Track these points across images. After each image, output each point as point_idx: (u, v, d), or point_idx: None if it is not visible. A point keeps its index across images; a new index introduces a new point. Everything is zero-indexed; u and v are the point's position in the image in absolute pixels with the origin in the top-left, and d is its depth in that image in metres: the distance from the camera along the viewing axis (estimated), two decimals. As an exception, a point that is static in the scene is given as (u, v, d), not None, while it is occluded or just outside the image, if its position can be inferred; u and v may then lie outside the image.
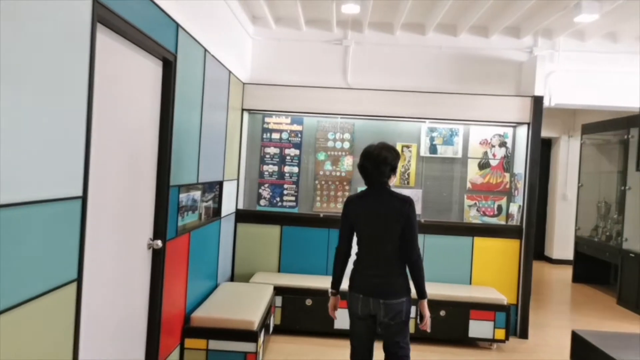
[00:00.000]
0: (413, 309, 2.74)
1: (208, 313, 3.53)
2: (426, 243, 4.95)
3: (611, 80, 5.02)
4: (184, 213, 3.42)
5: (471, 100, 4.95)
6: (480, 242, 4.96)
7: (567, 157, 9.10)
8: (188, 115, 3.30)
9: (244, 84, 5.05)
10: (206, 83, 3.65)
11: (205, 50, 3.58)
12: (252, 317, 3.54)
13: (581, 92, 5.07)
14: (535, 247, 5.38)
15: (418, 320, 2.78)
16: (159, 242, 2.86)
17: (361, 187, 5.27)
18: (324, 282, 4.67)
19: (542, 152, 9.83)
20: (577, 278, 7.58)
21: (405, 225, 2.61)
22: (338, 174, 5.32)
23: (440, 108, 4.97)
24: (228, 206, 4.73)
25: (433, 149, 5.26)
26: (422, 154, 5.26)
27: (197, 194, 3.75)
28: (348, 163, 5.32)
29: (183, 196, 3.39)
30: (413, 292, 2.71)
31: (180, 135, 3.14)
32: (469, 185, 5.26)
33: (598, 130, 7.26)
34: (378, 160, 2.68)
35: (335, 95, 5.05)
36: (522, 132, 5.04)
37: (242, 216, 5.11)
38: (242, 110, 5.09)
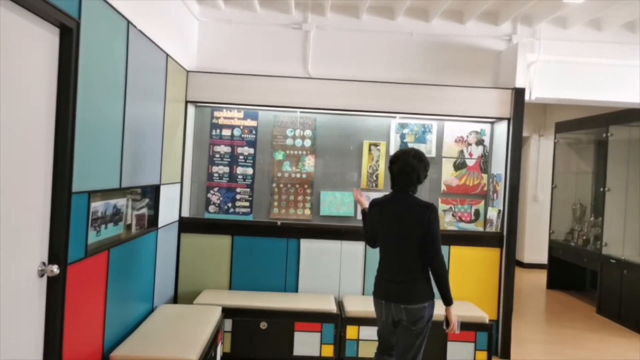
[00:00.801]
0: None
1: (132, 351, 2.83)
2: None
3: (596, 73, 4.59)
4: (99, 226, 2.72)
5: (445, 93, 4.41)
6: (456, 251, 4.43)
7: (538, 157, 8.76)
8: (102, 104, 2.61)
9: (187, 71, 4.36)
10: (131, 65, 2.96)
11: (129, 23, 2.89)
12: (189, 353, 2.87)
13: (564, 85, 4.61)
14: (514, 255, 4.89)
15: (444, 325, 2.76)
16: (55, 268, 2.17)
17: (324, 191, 4.67)
18: (281, 301, 4.04)
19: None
20: (551, 284, 7.20)
21: (427, 232, 2.61)
22: (298, 175, 4.70)
23: (412, 101, 4.42)
24: (168, 214, 4.04)
25: (404, 147, 4.70)
26: (392, 153, 4.69)
27: (121, 202, 3.06)
28: (309, 163, 4.70)
29: (98, 205, 2.69)
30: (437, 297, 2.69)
31: (90, 129, 2.45)
32: (443, 187, 4.73)
33: (573, 129, 6.89)
34: (404, 167, 2.69)
35: (294, 86, 4.43)
36: (501, 129, 4.54)
37: (186, 225, 4.41)
38: (186, 102, 4.39)
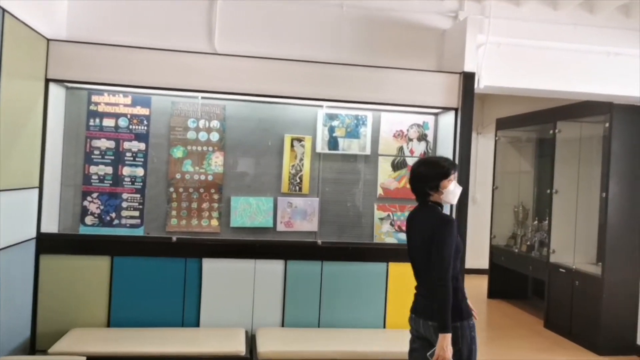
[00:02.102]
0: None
1: None
2: (324, 272, 3.55)
3: (553, 59, 3.98)
4: None
5: (382, 76, 3.63)
6: (396, 268, 3.66)
7: (476, 155, 8.25)
8: None
9: (48, 40, 3.29)
10: None
11: None
12: None
13: (517, 72, 3.96)
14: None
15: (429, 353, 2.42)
16: None
17: (236, 196, 3.76)
18: (174, 342, 3.08)
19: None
20: (492, 293, 6.67)
21: (432, 245, 2.43)
22: (203, 177, 3.75)
23: (342, 87, 3.60)
24: (15, 230, 2.96)
25: (333, 143, 3.88)
26: (318, 149, 3.86)
27: None
28: (217, 162, 3.76)
29: None
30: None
31: None
32: (380, 191, 3.95)
33: (516, 125, 6.38)
34: (413, 176, 2.58)
35: (197, 63, 3.48)
36: (447, 122, 3.83)
37: (48, 244, 3.34)
38: (47, 80, 3.32)
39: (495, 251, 6.65)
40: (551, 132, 5.44)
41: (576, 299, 4.96)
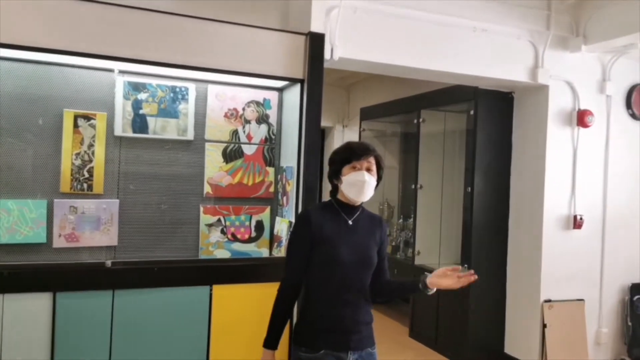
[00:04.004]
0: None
1: None
2: (117, 306, 2.49)
3: (418, 31, 3.36)
4: None
5: (207, 31, 2.68)
6: (223, 292, 2.73)
7: (342, 150, 7.69)
8: None
9: None
10: None
11: None
12: None
13: (375, 43, 3.28)
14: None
15: None
16: None
17: (14, 199, 2.54)
18: None
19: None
20: (358, 299, 6.07)
21: None
22: None
23: (147, 43, 2.58)
24: None
25: (140, 123, 2.83)
26: (118, 132, 2.78)
27: None
28: (-43, 149, 2.51)
29: None
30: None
31: None
32: (207, 189, 2.99)
33: (380, 115, 5.84)
34: None
35: None
36: (294, 98, 2.99)
37: None
38: None
39: (359, 253, 6.06)
40: (415, 121, 4.93)
41: (442, 305, 4.47)
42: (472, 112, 4.15)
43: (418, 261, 4.85)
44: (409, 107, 5.08)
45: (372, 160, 1.99)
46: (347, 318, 1.95)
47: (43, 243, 2.61)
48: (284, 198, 3.04)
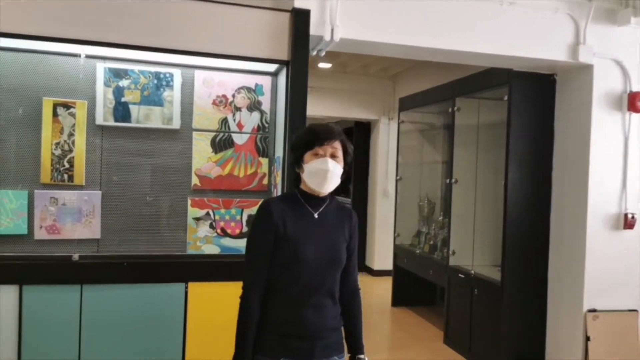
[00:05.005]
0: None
1: None
2: (85, 302, 2.40)
3: (434, 6, 3.01)
4: None
5: (186, 10, 2.52)
6: (199, 290, 2.56)
7: (388, 144, 7.34)
8: None
9: None
10: None
11: None
12: None
13: (383, 21, 2.96)
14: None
15: None
16: None
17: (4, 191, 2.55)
18: None
19: (360, 138, 8.12)
20: (397, 301, 5.73)
21: None
22: None
23: (120, 23, 2.47)
24: None
25: (122, 111, 2.73)
26: (99, 121, 2.70)
27: None
28: (-56, 140, 2.54)
29: None
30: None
31: None
32: (195, 180, 2.84)
33: (418, 105, 5.45)
34: None
35: None
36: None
37: None
38: None
39: (398, 252, 5.72)
40: (450, 110, 4.52)
41: (476, 311, 4.05)
42: (505, 98, 3.70)
43: (452, 262, 4.45)
44: (444, 94, 4.67)
45: (337, 145, 1.73)
46: (312, 323, 1.70)
47: (24, 235, 2.58)
48: (275, 190, 2.83)
